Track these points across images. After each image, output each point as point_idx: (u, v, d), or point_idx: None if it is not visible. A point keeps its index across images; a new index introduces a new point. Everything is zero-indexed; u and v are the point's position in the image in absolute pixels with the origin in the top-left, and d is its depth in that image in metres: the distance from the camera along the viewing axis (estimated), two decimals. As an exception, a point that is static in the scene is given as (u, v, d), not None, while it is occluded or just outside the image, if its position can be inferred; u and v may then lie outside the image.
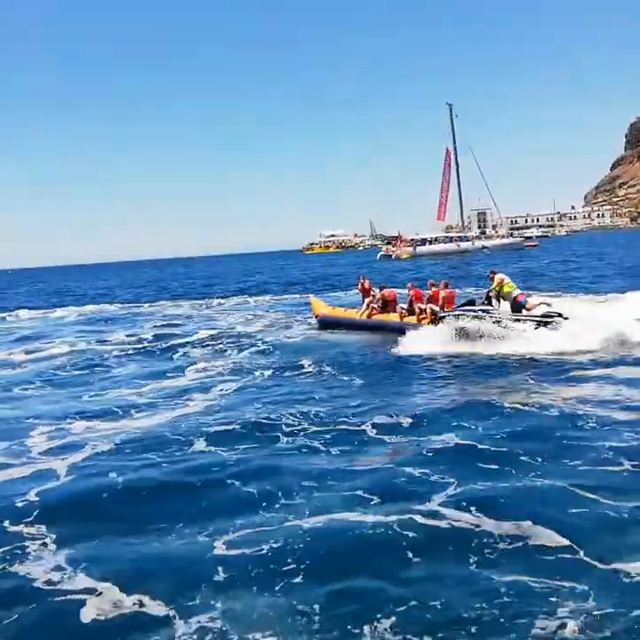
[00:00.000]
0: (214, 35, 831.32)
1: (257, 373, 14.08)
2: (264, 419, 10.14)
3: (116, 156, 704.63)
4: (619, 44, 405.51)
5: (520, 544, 5.64)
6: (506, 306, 16.45)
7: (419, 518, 6.21)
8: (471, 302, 17.00)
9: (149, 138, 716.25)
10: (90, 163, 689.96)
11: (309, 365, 14.51)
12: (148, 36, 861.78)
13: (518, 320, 15.40)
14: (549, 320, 15.18)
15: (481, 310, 16.04)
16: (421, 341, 15.44)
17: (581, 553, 5.42)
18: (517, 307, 16.31)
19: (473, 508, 6.33)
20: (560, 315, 15.44)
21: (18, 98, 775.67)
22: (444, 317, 16.39)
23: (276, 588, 5.20)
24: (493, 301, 16.68)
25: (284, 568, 5.49)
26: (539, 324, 15.15)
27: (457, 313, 16.22)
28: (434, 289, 18.82)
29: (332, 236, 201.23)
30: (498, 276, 17.02)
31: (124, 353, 18.37)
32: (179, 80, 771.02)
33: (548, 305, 16.59)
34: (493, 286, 16.86)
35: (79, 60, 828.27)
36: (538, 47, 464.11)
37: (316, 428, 9.47)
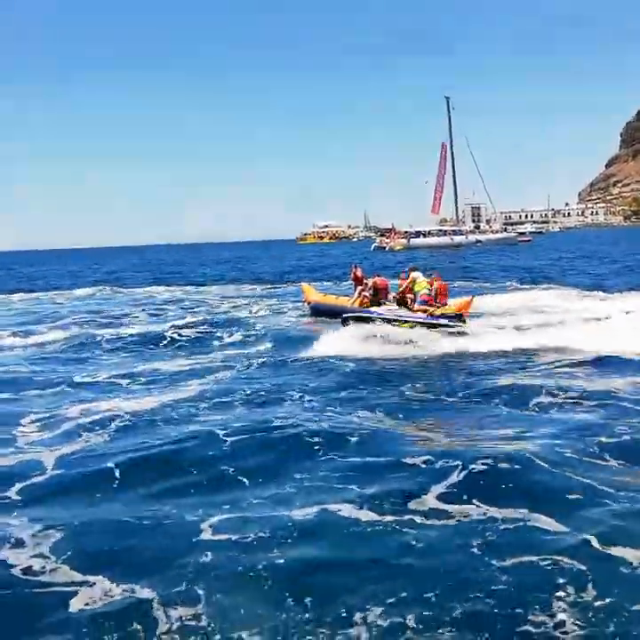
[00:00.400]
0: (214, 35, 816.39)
1: (247, 361, 13.99)
2: (255, 407, 10.10)
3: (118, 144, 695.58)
4: (618, 41, 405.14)
5: (518, 538, 5.61)
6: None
7: (413, 512, 6.18)
8: (379, 303, 17.43)
9: (148, 127, 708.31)
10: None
11: (300, 353, 14.41)
12: (148, 36, 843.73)
13: (416, 321, 16.13)
14: (444, 324, 15.90)
15: (386, 311, 16.77)
16: (338, 341, 14.89)
17: (581, 541, 5.42)
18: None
19: (473, 500, 6.32)
20: (460, 316, 16.28)
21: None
22: (348, 319, 16.63)
23: (264, 579, 5.13)
24: (408, 299, 17.37)
25: (272, 557, 5.42)
26: (435, 326, 15.88)
27: (356, 315, 16.64)
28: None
29: (326, 226, 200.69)
30: (413, 274, 17.48)
31: (116, 336, 18.23)
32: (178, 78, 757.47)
33: (446, 305, 17.35)
34: (407, 282, 17.18)
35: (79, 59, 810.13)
36: (535, 41, 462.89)
37: (308, 416, 9.41)
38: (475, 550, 5.37)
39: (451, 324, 15.87)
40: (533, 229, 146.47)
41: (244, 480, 7.10)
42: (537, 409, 9.59)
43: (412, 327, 15.92)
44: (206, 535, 5.82)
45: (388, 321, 16.09)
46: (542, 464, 7.06)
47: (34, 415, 10.12)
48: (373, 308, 17.08)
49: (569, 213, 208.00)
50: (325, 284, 34.49)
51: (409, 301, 18.02)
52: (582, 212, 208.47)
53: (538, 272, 38.17)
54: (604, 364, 12.25)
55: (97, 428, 9.22)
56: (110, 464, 7.62)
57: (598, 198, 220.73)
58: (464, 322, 16.21)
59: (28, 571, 5.35)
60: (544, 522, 5.81)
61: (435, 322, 15.99)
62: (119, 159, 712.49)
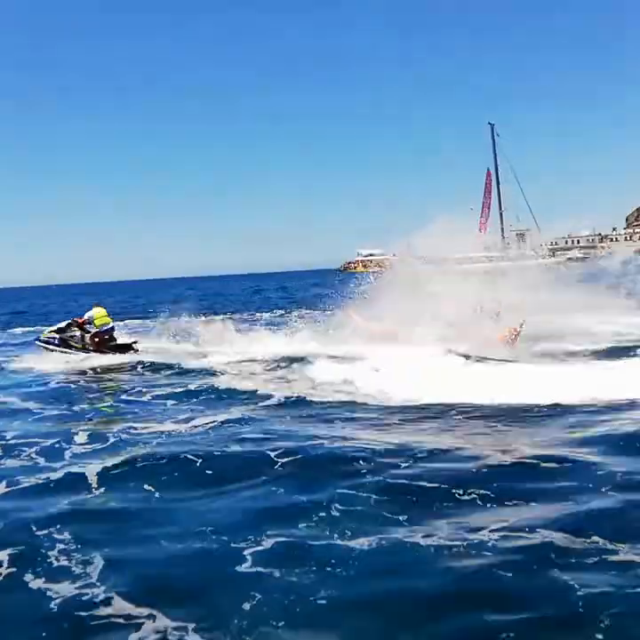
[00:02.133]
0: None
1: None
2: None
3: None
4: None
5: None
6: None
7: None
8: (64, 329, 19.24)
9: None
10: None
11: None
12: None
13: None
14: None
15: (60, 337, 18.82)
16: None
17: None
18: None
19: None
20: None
21: None
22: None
23: (310, 616, 4.94)
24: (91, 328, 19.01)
25: (319, 593, 5.21)
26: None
27: (43, 338, 18.98)
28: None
29: (371, 254, 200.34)
30: (95, 309, 19.17)
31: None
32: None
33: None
34: (90, 315, 18.96)
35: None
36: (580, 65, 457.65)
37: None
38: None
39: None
40: (581, 255, 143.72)
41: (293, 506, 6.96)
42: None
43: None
44: (247, 566, 5.69)
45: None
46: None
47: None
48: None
49: (617, 238, 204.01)
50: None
51: None
52: (630, 237, 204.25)
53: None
54: None
55: (140, 443, 9.39)
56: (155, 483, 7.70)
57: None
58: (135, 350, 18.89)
59: (73, 600, 5.26)
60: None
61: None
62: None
